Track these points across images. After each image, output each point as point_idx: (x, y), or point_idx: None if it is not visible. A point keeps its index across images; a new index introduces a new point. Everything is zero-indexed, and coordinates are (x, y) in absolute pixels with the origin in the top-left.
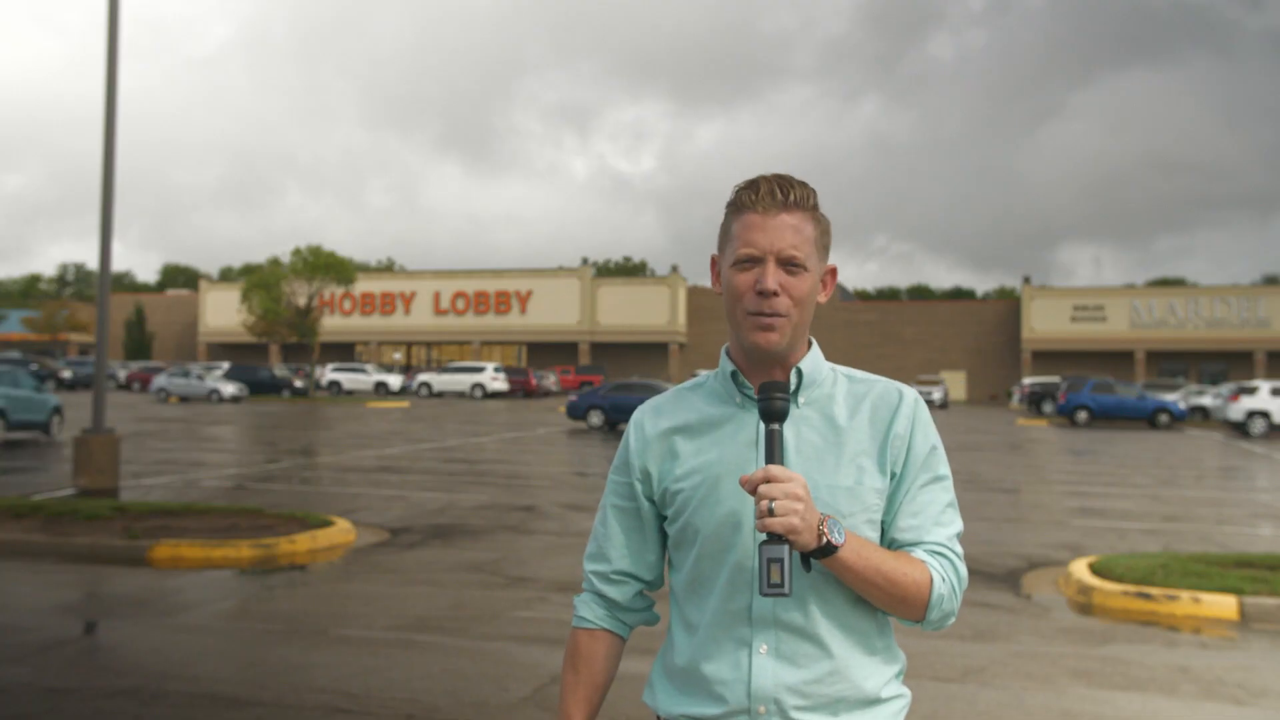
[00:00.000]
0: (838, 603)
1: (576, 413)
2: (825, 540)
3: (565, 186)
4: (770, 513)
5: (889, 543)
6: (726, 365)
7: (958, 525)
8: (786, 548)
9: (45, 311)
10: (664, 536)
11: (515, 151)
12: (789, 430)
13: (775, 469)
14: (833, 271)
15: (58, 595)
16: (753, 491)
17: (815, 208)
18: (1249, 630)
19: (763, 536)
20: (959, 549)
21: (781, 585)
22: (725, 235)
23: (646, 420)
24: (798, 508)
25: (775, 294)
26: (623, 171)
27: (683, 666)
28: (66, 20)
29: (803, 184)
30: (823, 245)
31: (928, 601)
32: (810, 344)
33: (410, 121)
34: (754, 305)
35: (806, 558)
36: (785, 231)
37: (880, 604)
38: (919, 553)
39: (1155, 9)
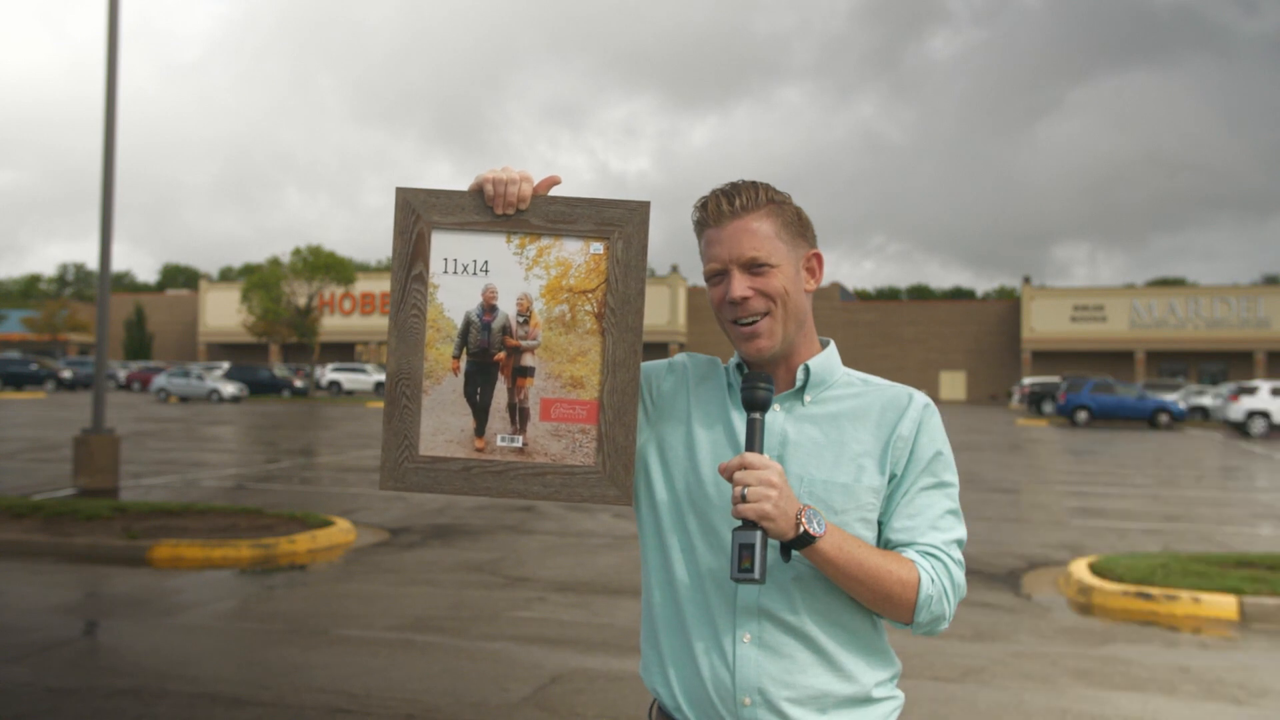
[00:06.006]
0: (826, 598)
1: None
2: (803, 530)
3: (561, 185)
4: (743, 499)
5: (884, 543)
6: (736, 357)
7: (958, 532)
8: (759, 534)
9: (45, 311)
10: None
11: (508, 149)
12: (794, 426)
13: (751, 456)
14: (817, 257)
15: (57, 595)
16: (729, 478)
17: (771, 202)
18: (1249, 630)
19: (737, 523)
20: (957, 555)
21: (752, 571)
22: (700, 255)
23: (690, 371)
24: (770, 494)
25: (746, 299)
26: (620, 169)
27: (669, 641)
28: (66, 19)
29: (750, 185)
30: (792, 234)
31: (915, 602)
32: (826, 344)
33: (405, 119)
34: (731, 314)
35: (787, 548)
36: (740, 237)
37: (865, 601)
38: (910, 553)
39: (1153, 10)
